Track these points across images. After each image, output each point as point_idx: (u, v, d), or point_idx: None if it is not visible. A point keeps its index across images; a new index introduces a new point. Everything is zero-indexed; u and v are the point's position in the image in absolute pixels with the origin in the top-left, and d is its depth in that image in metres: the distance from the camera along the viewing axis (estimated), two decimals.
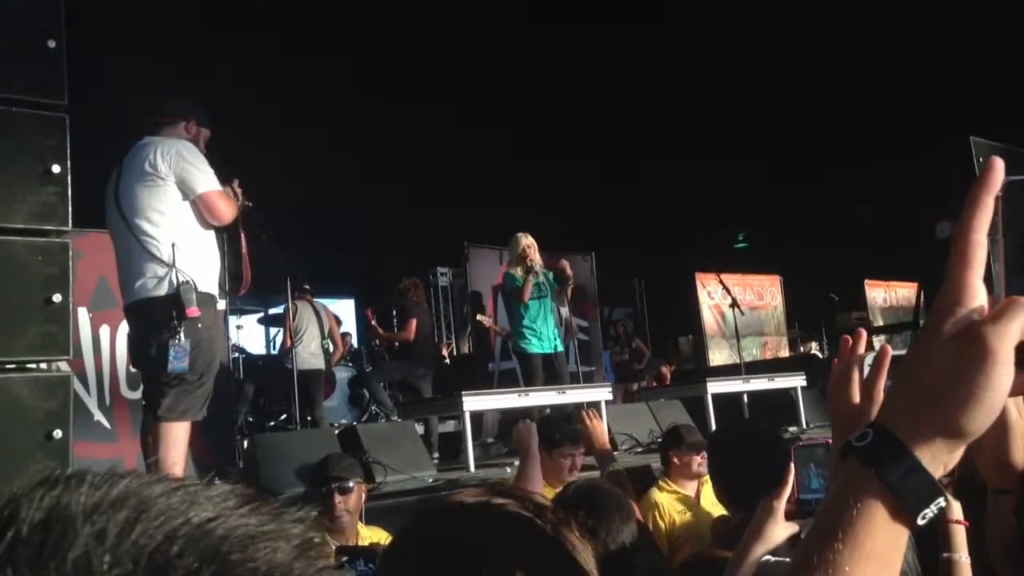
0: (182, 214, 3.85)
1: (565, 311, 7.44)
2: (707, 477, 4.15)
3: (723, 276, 9.55)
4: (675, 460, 4.25)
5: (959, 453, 0.67)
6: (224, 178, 4.11)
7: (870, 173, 12.09)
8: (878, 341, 11.46)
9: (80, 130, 3.50)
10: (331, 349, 7.87)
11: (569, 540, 1.01)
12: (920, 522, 0.65)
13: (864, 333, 1.08)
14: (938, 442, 0.65)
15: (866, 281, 15.22)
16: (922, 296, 10.09)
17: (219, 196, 3.94)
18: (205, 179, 3.90)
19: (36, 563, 0.34)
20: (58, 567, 0.34)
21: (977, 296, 0.66)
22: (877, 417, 0.69)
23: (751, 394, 7.53)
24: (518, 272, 7.23)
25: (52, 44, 3.47)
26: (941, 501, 0.65)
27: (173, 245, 3.77)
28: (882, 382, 0.95)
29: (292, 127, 9.04)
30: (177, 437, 3.73)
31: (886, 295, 15.95)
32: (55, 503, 0.37)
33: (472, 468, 5.53)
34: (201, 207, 3.90)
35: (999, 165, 0.66)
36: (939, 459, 0.65)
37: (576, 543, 1.03)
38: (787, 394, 7.51)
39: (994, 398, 0.64)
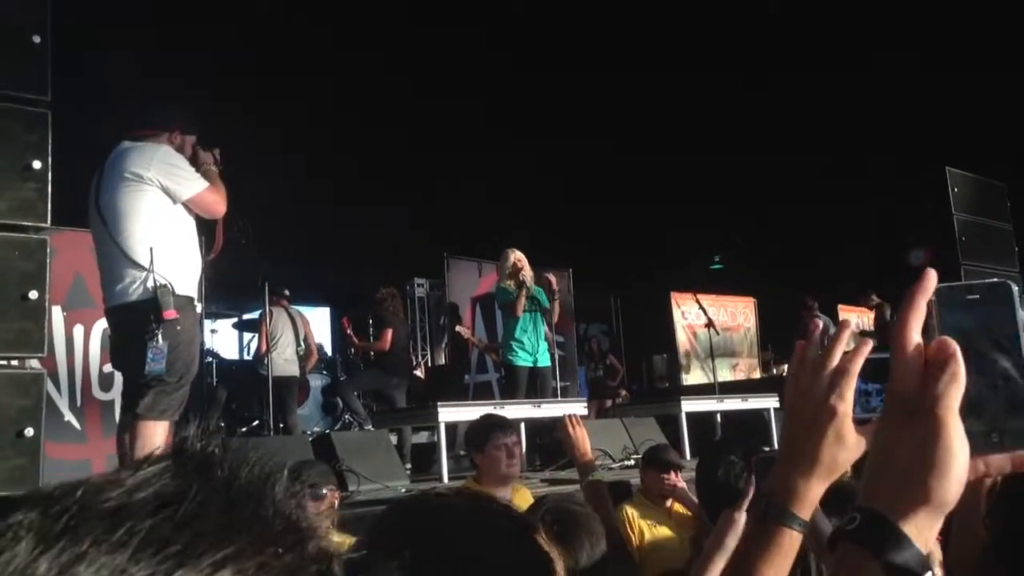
0: (161, 219, 3.87)
1: (544, 327, 7.49)
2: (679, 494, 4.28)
3: (699, 296, 9.61)
4: (648, 477, 4.43)
5: (939, 524, 0.72)
6: (204, 145, 4.19)
7: (848, 200, 12.23)
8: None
9: (62, 128, 3.49)
10: (303, 354, 7.84)
11: (540, 545, 1.05)
12: None
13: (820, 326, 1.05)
14: (921, 517, 0.70)
15: (839, 306, 15.34)
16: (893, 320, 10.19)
17: (209, 192, 4.00)
18: (192, 182, 3.94)
19: None
20: None
21: (920, 382, 0.73)
22: (860, 500, 0.74)
23: (724, 414, 7.57)
24: (511, 285, 7.28)
25: (37, 39, 3.46)
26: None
27: (151, 249, 3.78)
28: (838, 351, 0.90)
29: (272, 133, 9.01)
30: (155, 436, 3.73)
31: (858, 320, 16.08)
32: None
33: (445, 479, 5.52)
34: (196, 208, 3.96)
35: (932, 276, 0.74)
36: (923, 533, 0.70)
37: (548, 548, 1.06)
38: (760, 415, 7.56)
39: (960, 467, 0.70)
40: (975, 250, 6.47)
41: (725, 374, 12.97)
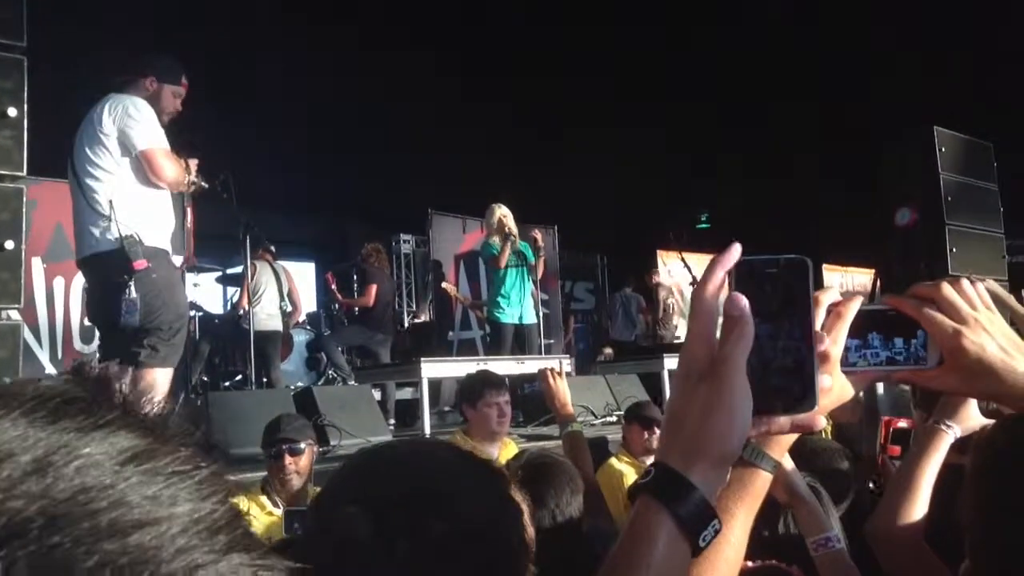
0: (125, 170, 3.84)
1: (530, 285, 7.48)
2: None
3: (685, 254, 9.61)
4: (631, 433, 4.57)
5: (726, 474, 0.79)
6: (189, 154, 4.14)
7: (831, 158, 12.19)
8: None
9: (45, 79, 3.43)
10: (288, 310, 7.80)
11: (511, 492, 1.07)
12: (702, 543, 0.74)
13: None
14: (708, 469, 0.75)
15: (824, 265, 15.41)
16: (878, 282, 10.24)
17: (161, 154, 3.91)
18: (147, 135, 3.87)
19: None
20: None
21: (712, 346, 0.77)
22: (657, 456, 0.79)
23: None
24: (496, 240, 7.27)
25: None
26: (717, 524, 0.75)
27: (112, 201, 3.76)
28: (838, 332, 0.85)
29: (263, 92, 8.90)
30: (158, 383, 3.76)
31: (843, 279, 16.18)
32: None
33: (428, 435, 5.53)
34: (143, 163, 3.88)
35: (736, 248, 0.78)
36: (712, 485, 0.75)
37: (516, 496, 1.08)
38: None
39: (741, 423, 0.75)
40: (960, 210, 6.46)
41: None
